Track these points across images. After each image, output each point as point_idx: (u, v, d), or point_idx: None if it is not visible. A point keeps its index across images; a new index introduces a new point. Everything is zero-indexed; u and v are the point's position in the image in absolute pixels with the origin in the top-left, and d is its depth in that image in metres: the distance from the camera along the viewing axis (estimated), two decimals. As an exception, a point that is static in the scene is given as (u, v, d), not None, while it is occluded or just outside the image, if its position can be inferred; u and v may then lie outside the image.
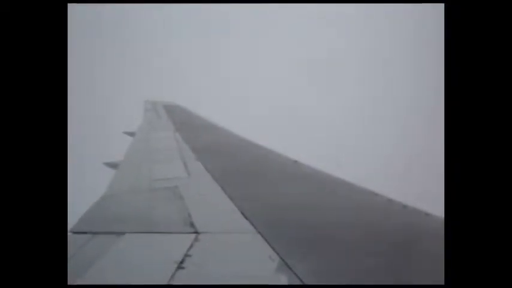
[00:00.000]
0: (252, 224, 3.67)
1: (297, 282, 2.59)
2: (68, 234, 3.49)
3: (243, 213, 3.99)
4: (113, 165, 7.52)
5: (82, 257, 2.99)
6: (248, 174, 6.28)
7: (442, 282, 2.28)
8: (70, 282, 2.50)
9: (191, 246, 3.13)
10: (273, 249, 3.09)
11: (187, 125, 12.63)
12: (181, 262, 2.82)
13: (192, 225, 3.65)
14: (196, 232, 3.47)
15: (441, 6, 2.86)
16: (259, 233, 3.46)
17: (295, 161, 7.34)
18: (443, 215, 2.56)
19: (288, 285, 2.57)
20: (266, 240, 3.28)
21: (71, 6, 3.12)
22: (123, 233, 3.44)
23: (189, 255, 2.94)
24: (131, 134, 11.47)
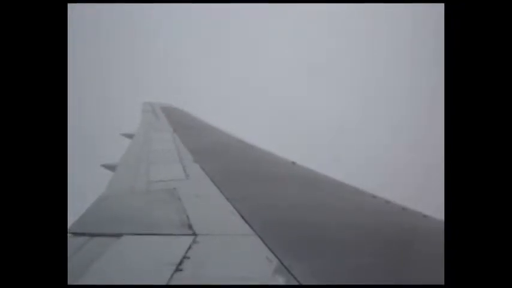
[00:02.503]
0: (250, 226, 3.67)
1: (295, 284, 2.59)
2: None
3: (241, 215, 3.99)
4: (111, 167, 7.50)
5: (79, 259, 2.98)
6: (246, 176, 6.28)
7: (441, 282, 2.28)
8: (69, 282, 2.50)
9: (189, 248, 3.13)
10: (271, 251, 3.09)
11: (185, 126, 12.62)
12: (179, 264, 2.81)
13: (190, 227, 3.64)
14: (194, 234, 3.46)
15: (441, 6, 2.87)
16: (257, 234, 3.45)
17: (293, 163, 7.35)
18: (442, 217, 2.56)
19: (286, 286, 2.56)
20: (264, 242, 3.28)
21: (71, 6, 3.11)
22: (120, 235, 3.43)
23: (187, 257, 2.94)
24: (129, 135, 11.46)
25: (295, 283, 2.59)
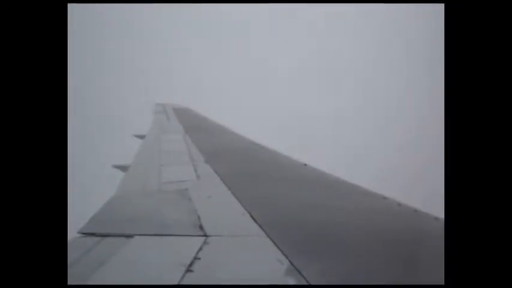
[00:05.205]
0: (261, 227, 3.66)
1: (305, 284, 2.58)
2: (77, 235, 3.50)
3: (252, 217, 3.99)
4: (123, 168, 7.54)
5: (90, 259, 3.00)
6: (257, 177, 6.28)
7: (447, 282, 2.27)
8: (74, 282, 2.51)
9: (200, 249, 3.13)
10: (282, 252, 3.08)
11: (196, 127, 12.66)
12: (190, 265, 2.82)
13: (201, 228, 3.65)
14: (205, 235, 3.46)
15: (441, 6, 2.86)
16: (268, 236, 3.45)
17: (305, 164, 7.33)
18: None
19: (296, 286, 2.56)
20: (275, 243, 3.27)
21: (71, 6, 3.12)
22: (132, 235, 3.45)
23: (198, 258, 2.94)
24: (141, 136, 11.51)
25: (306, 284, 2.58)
